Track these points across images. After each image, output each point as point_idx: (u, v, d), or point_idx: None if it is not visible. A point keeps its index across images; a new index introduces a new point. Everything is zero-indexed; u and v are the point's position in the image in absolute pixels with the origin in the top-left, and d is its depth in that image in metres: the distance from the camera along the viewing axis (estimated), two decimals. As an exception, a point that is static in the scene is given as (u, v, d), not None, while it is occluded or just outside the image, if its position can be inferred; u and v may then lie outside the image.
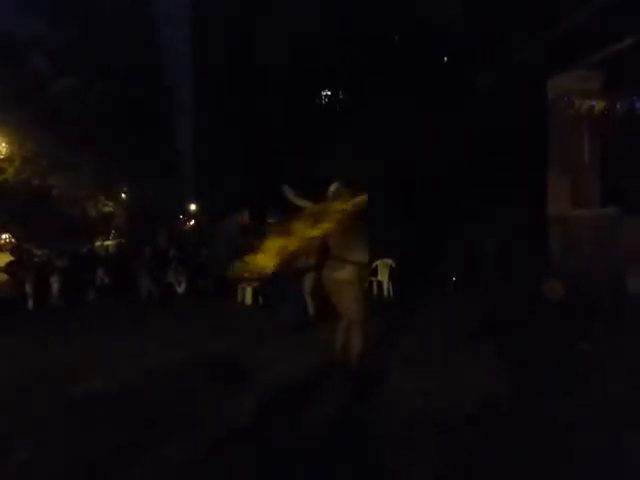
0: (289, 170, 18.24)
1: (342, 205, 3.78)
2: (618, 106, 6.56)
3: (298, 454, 2.93)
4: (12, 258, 9.39)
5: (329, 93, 18.68)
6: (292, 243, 3.79)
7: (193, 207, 32.05)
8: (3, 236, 27.20)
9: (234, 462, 2.89)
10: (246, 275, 5.65)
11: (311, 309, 6.54)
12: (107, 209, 25.29)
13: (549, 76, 7.49)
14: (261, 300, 8.45)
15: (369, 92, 12.54)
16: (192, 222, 31.33)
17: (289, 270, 6.67)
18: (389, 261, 9.07)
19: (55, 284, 8.82)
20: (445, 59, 9.57)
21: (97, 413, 3.67)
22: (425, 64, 9.66)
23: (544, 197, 7.62)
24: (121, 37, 21.01)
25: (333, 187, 4.15)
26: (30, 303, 8.38)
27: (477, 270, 7.44)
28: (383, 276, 9.02)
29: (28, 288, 8.39)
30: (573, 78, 7.27)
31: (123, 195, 25.27)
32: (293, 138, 17.93)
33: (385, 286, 8.93)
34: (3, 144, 18.49)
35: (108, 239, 20.59)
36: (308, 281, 6.54)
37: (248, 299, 8.63)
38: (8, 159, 18.33)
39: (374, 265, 8.97)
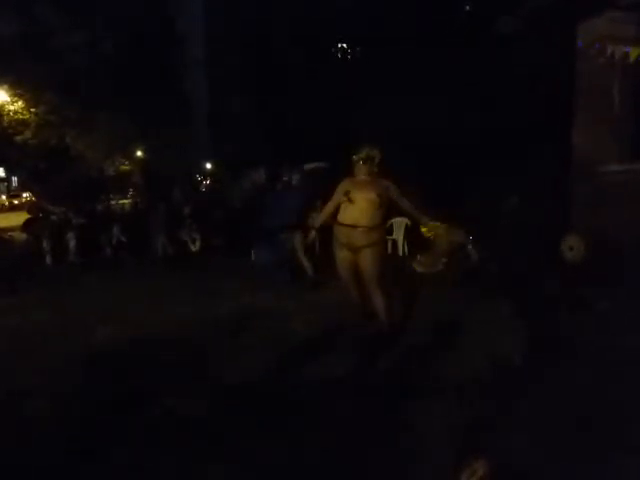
0: (306, 129, 17.93)
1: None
2: (654, 52, 6.08)
3: (316, 410, 2.91)
4: (30, 216, 9.50)
5: (348, 47, 17.99)
6: None
7: (209, 165, 31.94)
8: (24, 195, 27.66)
9: (245, 418, 2.89)
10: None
11: (309, 269, 6.43)
12: (124, 168, 25.40)
13: (578, 20, 6.98)
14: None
15: (388, 45, 11.99)
16: (208, 180, 31.32)
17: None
18: (404, 219, 8.89)
19: (72, 241, 8.92)
20: (467, 4, 9.01)
21: (105, 363, 3.73)
22: (446, 10, 9.13)
23: (571, 151, 7.26)
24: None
25: (363, 153, 3.97)
26: (48, 259, 8.51)
27: (494, 227, 7.20)
28: (398, 235, 8.87)
29: (45, 245, 8.51)
30: (605, 22, 6.75)
31: (140, 153, 25.26)
32: (310, 96, 17.46)
33: (400, 245, 8.79)
34: (20, 103, 18.44)
35: (124, 197, 20.74)
36: (299, 240, 6.42)
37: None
38: (24, 120, 18.33)
39: (389, 223, 8.81)
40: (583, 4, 6.83)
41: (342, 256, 3.99)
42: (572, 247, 6.16)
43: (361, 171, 3.94)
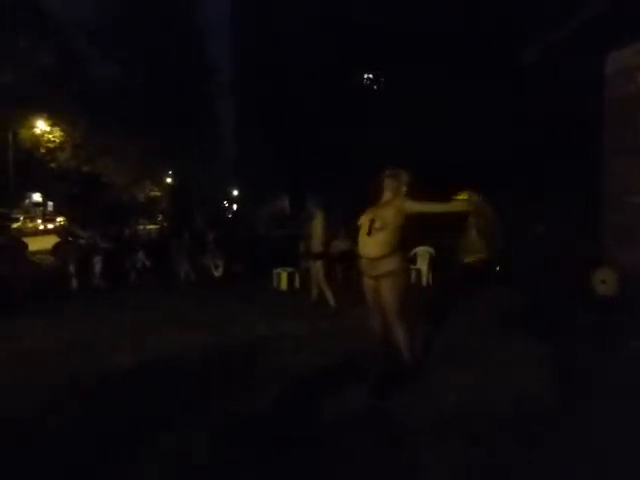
0: (331, 158, 18.11)
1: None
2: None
3: (324, 444, 2.82)
4: (59, 240, 9.73)
5: (370, 76, 18.24)
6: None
7: (235, 192, 32.46)
8: (58, 219, 28.54)
9: (246, 454, 2.80)
10: None
11: (331, 298, 6.36)
12: (154, 194, 26.04)
13: (607, 50, 6.90)
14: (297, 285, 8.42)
15: (412, 74, 12.08)
16: (234, 207, 31.77)
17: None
18: (429, 249, 8.76)
19: (97, 265, 9.06)
20: (494, 36, 9.00)
21: (120, 387, 3.71)
22: (474, 41, 9.15)
23: (599, 181, 7.07)
24: (164, 21, 21.30)
25: (400, 175, 3.93)
26: (73, 283, 8.64)
27: (524, 258, 7.01)
28: (423, 264, 8.73)
29: (71, 268, 8.66)
30: (633, 52, 6.64)
31: (168, 180, 25.89)
32: (336, 125, 17.65)
33: (424, 275, 8.64)
34: (56, 132, 19.26)
35: (152, 222, 21.18)
36: (320, 267, 6.41)
37: (283, 284, 8.57)
38: (60, 146, 19.10)
39: (413, 253, 8.69)
40: (612, 34, 6.75)
41: (365, 283, 3.90)
42: (604, 280, 5.92)
43: (382, 193, 3.89)
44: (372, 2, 13.79)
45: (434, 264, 8.64)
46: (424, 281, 8.58)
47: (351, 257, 7.92)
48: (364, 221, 3.83)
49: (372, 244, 3.73)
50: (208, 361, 4.44)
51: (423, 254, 8.80)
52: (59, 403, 3.46)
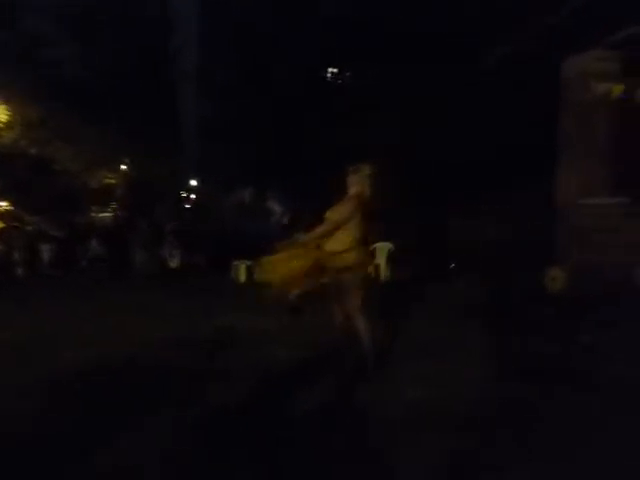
0: (296, 151, 17.96)
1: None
2: (636, 91, 6.21)
3: (291, 438, 2.77)
4: (2, 225, 9.22)
5: (337, 71, 18.17)
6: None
7: (195, 183, 31.73)
8: (1, 203, 27.00)
9: (219, 443, 2.72)
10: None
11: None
12: (108, 181, 25.04)
13: (564, 56, 7.13)
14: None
15: (375, 73, 12.14)
16: (193, 197, 31.09)
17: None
18: (388, 244, 8.85)
19: (47, 253, 8.66)
20: (452, 37, 9.13)
21: (68, 389, 3.51)
22: (433, 42, 9.25)
23: (552, 183, 7.33)
24: (128, 7, 20.50)
25: (359, 170, 3.87)
26: (19, 271, 8.21)
27: (477, 256, 7.20)
28: (381, 259, 8.81)
29: (17, 255, 8.22)
30: (589, 59, 6.90)
31: (124, 167, 24.99)
32: (302, 118, 17.50)
33: (383, 269, 8.73)
34: (2, 110, 18.17)
35: (105, 210, 20.42)
36: None
37: (242, 276, 8.45)
38: (7, 124, 18.02)
39: (372, 248, 8.76)
40: (569, 41, 6.97)
41: (328, 280, 3.88)
42: (554, 278, 6.15)
43: (348, 188, 3.86)
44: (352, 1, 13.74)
45: (393, 259, 8.74)
46: (382, 276, 8.67)
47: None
48: (327, 216, 3.81)
49: (332, 239, 3.71)
50: (169, 355, 4.26)
51: (382, 249, 8.89)
52: (19, 398, 3.23)
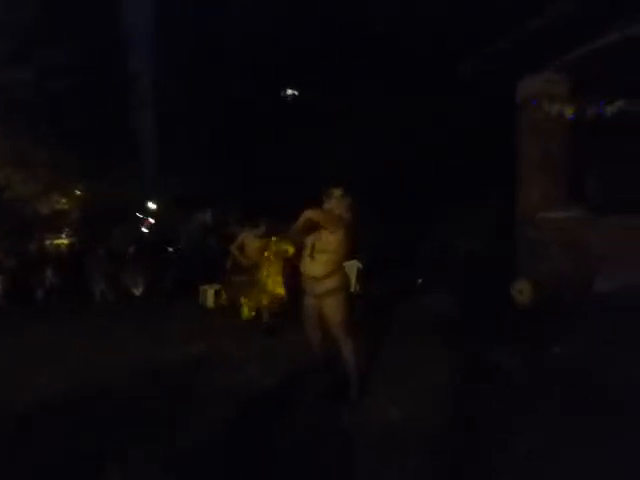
0: (257, 170, 17.91)
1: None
2: (585, 111, 6.57)
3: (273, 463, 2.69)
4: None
5: (300, 88, 18.32)
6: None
7: (154, 206, 30.96)
8: (-55, 234, 25.44)
9: (202, 472, 2.60)
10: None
11: (265, 314, 6.19)
12: (60, 206, 24.06)
13: (519, 77, 7.47)
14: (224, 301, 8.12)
15: (340, 87, 12.32)
16: (152, 221, 30.32)
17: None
18: (357, 263, 8.88)
19: (-1, 285, 8.17)
20: (418, 54, 9.38)
21: (30, 425, 3.29)
22: (400, 59, 9.48)
23: (513, 198, 7.60)
24: (81, 27, 20.03)
25: (337, 192, 3.84)
26: (-31, 305, 7.71)
27: (445, 271, 7.32)
28: (351, 277, 8.82)
29: (-34, 289, 7.72)
30: (542, 81, 7.26)
31: (78, 192, 24.12)
32: (262, 136, 17.51)
33: (352, 288, 8.73)
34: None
35: (60, 237, 19.56)
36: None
37: (210, 302, 8.24)
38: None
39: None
40: (522, 63, 7.31)
41: (306, 302, 3.83)
42: (522, 291, 6.33)
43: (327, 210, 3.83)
44: (306, 14, 13.90)
45: (361, 277, 8.77)
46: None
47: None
48: (309, 241, 3.77)
49: (315, 264, 3.68)
50: (141, 386, 4.09)
51: (351, 267, 8.90)
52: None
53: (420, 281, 8.68)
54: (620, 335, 4.64)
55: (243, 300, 6.62)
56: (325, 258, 3.63)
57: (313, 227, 3.76)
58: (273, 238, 6.18)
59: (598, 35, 6.33)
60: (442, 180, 8.03)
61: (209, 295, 8.26)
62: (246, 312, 6.57)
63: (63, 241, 17.81)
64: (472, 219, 7.13)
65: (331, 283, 3.64)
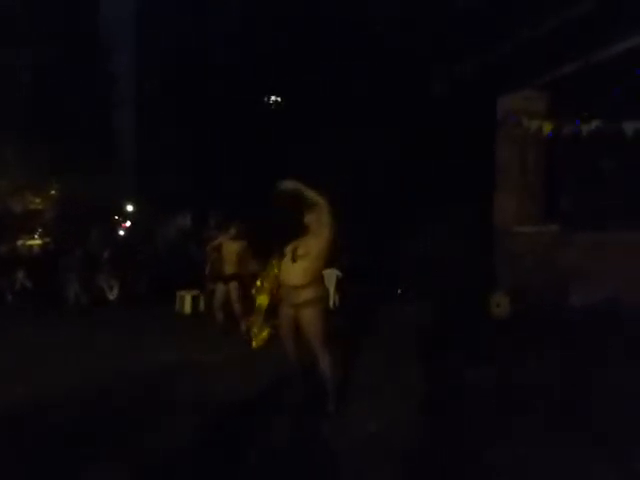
0: (235, 173, 17.85)
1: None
2: (562, 128, 6.75)
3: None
4: None
5: (277, 98, 18.36)
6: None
7: (131, 207, 30.48)
8: None
9: None
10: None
11: (242, 321, 6.12)
12: (34, 206, 23.47)
13: (498, 94, 7.65)
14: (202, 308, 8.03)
15: (316, 95, 12.41)
16: (129, 223, 29.84)
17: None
18: (335, 271, 8.89)
19: (-34, 287, 7.91)
20: (396, 69, 9.53)
21: (20, 425, 3.21)
22: (376, 74, 9.63)
23: (491, 212, 7.75)
24: (60, 19, 19.68)
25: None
26: None
27: (424, 282, 7.40)
28: (330, 286, 8.81)
29: None
30: (521, 98, 7.45)
31: (53, 191, 23.58)
32: (241, 138, 17.47)
33: (331, 297, 8.73)
34: None
35: (32, 238, 19.05)
36: (221, 294, 6.20)
37: (187, 307, 8.13)
38: None
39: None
40: (500, 81, 7.50)
41: (283, 311, 3.81)
42: (499, 304, 6.44)
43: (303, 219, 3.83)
44: (287, 30, 14.02)
45: (341, 286, 8.78)
46: (331, 303, 8.66)
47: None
48: (289, 249, 3.76)
49: (294, 272, 3.66)
50: (112, 393, 3.98)
51: (329, 276, 8.90)
52: None
53: (400, 291, 8.74)
54: (592, 349, 4.75)
55: (253, 328, 5.93)
56: (305, 265, 3.61)
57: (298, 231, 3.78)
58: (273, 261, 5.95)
59: (574, 58, 6.55)
60: (423, 192, 8.14)
61: (186, 301, 8.15)
62: (257, 342, 5.80)
63: (36, 242, 17.35)
64: (452, 231, 7.24)
65: (309, 293, 3.62)
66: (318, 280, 3.71)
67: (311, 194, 3.65)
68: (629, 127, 5.75)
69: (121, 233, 26.14)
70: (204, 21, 23.02)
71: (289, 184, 3.68)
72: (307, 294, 3.61)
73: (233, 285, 6.18)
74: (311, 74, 12.74)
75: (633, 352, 4.58)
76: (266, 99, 18.46)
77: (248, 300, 6.29)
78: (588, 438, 3.07)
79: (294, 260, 3.63)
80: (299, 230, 3.86)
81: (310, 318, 3.61)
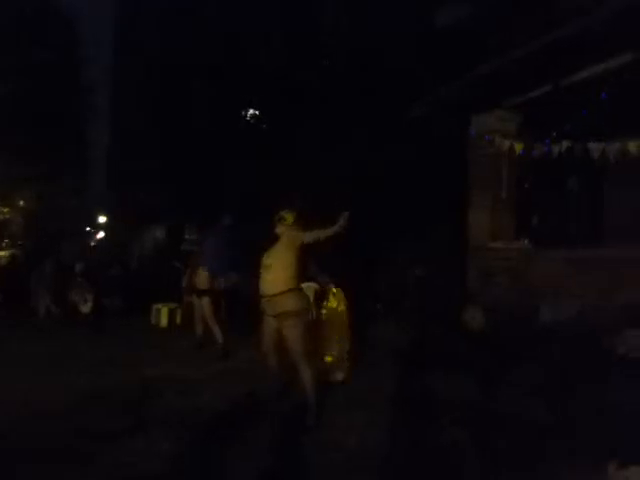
0: (212, 184, 17.74)
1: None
2: (533, 147, 7.02)
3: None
4: None
5: (258, 113, 18.43)
6: None
7: (103, 219, 29.89)
8: None
9: None
10: None
11: (219, 336, 6.08)
12: (1, 216, 22.80)
13: (471, 114, 7.90)
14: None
15: (295, 115, 12.54)
16: (101, 235, 29.25)
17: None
18: (313, 285, 8.91)
19: None
20: (373, 91, 9.76)
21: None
22: (354, 96, 9.82)
23: (465, 229, 7.94)
24: (33, 32, 19.38)
25: (289, 215, 3.92)
26: None
27: (401, 298, 7.52)
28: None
29: None
30: (494, 118, 7.72)
31: (22, 201, 22.96)
32: (218, 151, 17.42)
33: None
34: None
35: (2, 249, 18.51)
36: (207, 304, 6.16)
37: (164, 321, 8.03)
38: None
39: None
40: (474, 101, 7.76)
41: (265, 323, 3.85)
42: (474, 317, 6.59)
43: (275, 231, 3.92)
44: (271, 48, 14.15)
45: (319, 299, 8.80)
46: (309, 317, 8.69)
47: (236, 294, 7.73)
48: (263, 259, 3.83)
49: (268, 281, 3.72)
50: (90, 411, 3.91)
51: (308, 290, 8.93)
52: None
53: (379, 306, 8.82)
54: (562, 365, 4.91)
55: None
56: (276, 274, 3.66)
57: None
58: None
59: (545, 82, 6.85)
60: (397, 210, 8.31)
61: (162, 314, 8.05)
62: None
63: (3, 253, 16.84)
64: (424, 248, 7.40)
65: (289, 305, 3.67)
66: (296, 292, 3.75)
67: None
68: (594, 147, 6.04)
69: (93, 244, 25.60)
70: (183, 29, 22.97)
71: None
72: (286, 305, 3.66)
73: (206, 300, 6.14)
74: (294, 88, 12.88)
75: (601, 366, 4.75)
76: (245, 111, 18.51)
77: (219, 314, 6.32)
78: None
79: (266, 272, 3.70)
80: (270, 242, 3.94)
81: (291, 330, 3.66)
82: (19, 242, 19.84)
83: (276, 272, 3.67)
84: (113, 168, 31.83)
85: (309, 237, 3.71)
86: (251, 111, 17.99)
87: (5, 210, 22.77)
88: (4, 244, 19.89)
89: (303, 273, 4.01)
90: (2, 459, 3.04)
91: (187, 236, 12.60)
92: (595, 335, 5.54)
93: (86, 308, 8.72)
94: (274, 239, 3.96)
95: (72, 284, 9.07)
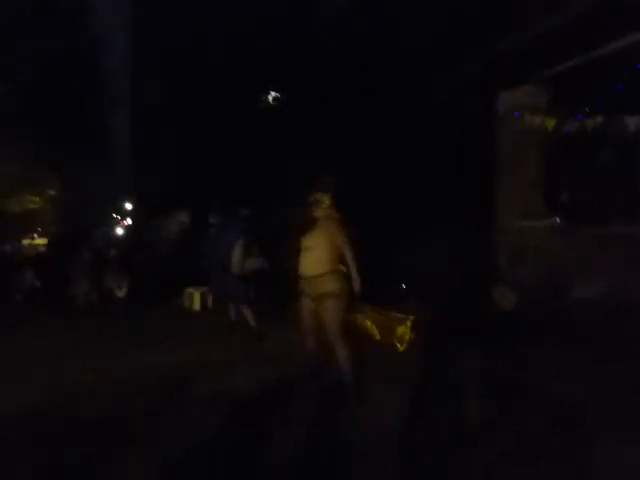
0: (233, 171, 17.86)
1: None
2: (564, 123, 6.87)
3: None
4: None
5: (276, 96, 18.35)
6: None
7: (130, 206, 30.41)
8: None
9: None
10: None
11: (251, 318, 6.15)
12: (32, 205, 23.42)
13: (499, 90, 7.74)
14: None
15: (314, 101, 12.43)
16: (128, 221, 29.80)
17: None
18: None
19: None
20: (395, 70, 9.58)
21: (25, 431, 3.31)
22: (376, 76, 9.66)
23: (494, 208, 7.87)
24: (53, 20, 19.59)
25: (312, 196, 3.98)
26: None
27: (428, 279, 7.52)
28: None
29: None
30: (522, 93, 7.55)
31: (52, 191, 23.55)
32: (238, 138, 17.46)
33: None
34: None
35: (35, 237, 19.09)
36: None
37: (196, 304, 8.25)
38: None
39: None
40: (502, 76, 7.59)
41: (303, 304, 3.93)
42: (504, 296, 6.58)
43: (312, 214, 3.96)
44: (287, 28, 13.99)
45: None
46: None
47: (265, 276, 7.86)
48: (302, 242, 3.90)
49: (308, 263, 3.80)
50: (125, 393, 4.09)
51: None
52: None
53: (404, 286, 8.83)
54: (595, 341, 4.90)
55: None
56: (316, 256, 3.73)
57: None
58: None
59: (575, 54, 6.64)
60: (424, 190, 8.25)
61: (195, 298, 8.26)
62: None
63: (40, 241, 17.40)
64: (455, 226, 7.35)
65: (328, 286, 3.73)
66: (337, 273, 3.80)
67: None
68: (631, 122, 5.88)
69: (121, 231, 26.15)
70: (200, 22, 22.88)
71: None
72: (326, 286, 3.73)
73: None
74: (308, 78, 12.75)
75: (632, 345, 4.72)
76: (268, 99, 18.41)
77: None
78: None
79: (306, 255, 3.78)
80: (307, 225, 3.98)
81: (330, 311, 3.73)
82: (52, 230, 20.41)
83: (317, 254, 3.74)
84: (138, 155, 32.20)
85: (347, 252, 3.75)
86: (273, 93, 17.95)
87: (36, 199, 23.41)
88: (38, 233, 20.49)
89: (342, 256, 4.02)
90: (54, 436, 3.22)
91: (212, 220, 12.77)
92: (626, 312, 5.49)
93: (121, 293, 9.02)
94: (307, 222, 4.00)
95: (107, 270, 9.37)
